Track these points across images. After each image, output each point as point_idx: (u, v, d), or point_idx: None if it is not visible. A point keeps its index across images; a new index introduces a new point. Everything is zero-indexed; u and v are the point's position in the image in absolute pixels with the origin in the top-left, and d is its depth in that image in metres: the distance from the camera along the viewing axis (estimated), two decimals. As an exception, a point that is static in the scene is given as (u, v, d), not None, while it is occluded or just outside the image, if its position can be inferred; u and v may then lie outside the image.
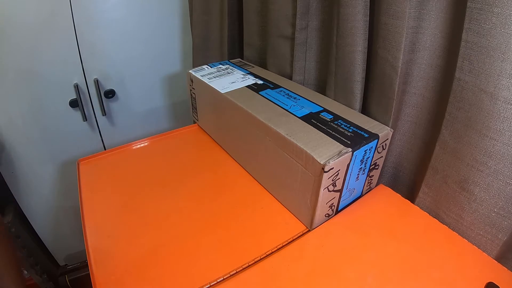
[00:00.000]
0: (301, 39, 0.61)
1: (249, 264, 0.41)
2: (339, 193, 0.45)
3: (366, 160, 0.46)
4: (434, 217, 0.46)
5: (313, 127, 0.47)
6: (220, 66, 0.71)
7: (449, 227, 0.45)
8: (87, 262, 0.42)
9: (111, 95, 0.91)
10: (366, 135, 0.45)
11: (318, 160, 0.40)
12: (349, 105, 0.54)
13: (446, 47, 0.43)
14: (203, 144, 0.67)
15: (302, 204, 0.46)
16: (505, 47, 0.33)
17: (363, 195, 0.52)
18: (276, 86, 0.60)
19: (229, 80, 0.62)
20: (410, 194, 0.53)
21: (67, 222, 1.05)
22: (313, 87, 0.65)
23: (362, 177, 0.48)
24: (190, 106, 0.76)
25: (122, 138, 0.99)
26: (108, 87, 0.91)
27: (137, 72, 0.93)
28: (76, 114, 0.88)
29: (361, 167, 0.46)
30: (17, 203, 0.95)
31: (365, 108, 0.55)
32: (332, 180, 0.42)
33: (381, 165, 0.51)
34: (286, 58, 0.66)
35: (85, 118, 0.89)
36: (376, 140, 0.45)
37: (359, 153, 0.43)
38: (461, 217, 0.43)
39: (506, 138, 0.36)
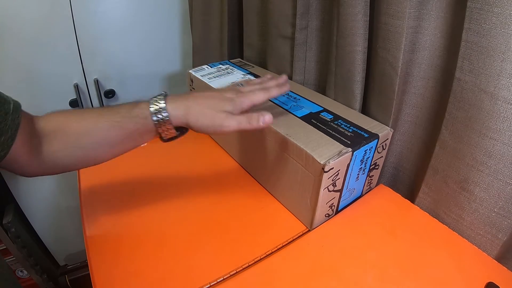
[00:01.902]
0: (301, 39, 0.61)
1: (249, 264, 0.41)
2: (339, 193, 0.45)
3: (366, 160, 0.46)
4: (434, 217, 0.46)
5: (313, 127, 0.47)
6: (220, 66, 0.71)
7: (449, 227, 0.45)
8: (87, 262, 0.42)
9: (111, 95, 0.91)
10: (366, 135, 0.45)
11: (318, 160, 0.40)
12: (349, 105, 0.54)
13: (446, 47, 0.43)
14: (203, 144, 0.67)
15: (302, 204, 0.46)
16: (505, 47, 0.33)
17: (363, 195, 0.52)
18: (276, 86, 0.60)
19: (229, 80, 0.62)
20: (410, 194, 0.53)
21: (67, 222, 1.06)
22: (313, 87, 0.65)
23: (362, 177, 0.48)
24: (190, 106, 0.75)
25: (122, 138, 0.99)
26: (108, 87, 0.91)
27: (137, 72, 0.93)
28: (76, 114, 0.88)
29: (361, 167, 0.46)
30: (17, 203, 0.95)
31: (365, 108, 0.55)
32: (332, 180, 0.42)
33: (381, 165, 0.51)
34: (286, 58, 0.66)
35: (85, 118, 0.89)
36: (376, 140, 0.45)
37: (359, 153, 0.43)
38: (461, 217, 0.43)
39: (506, 138, 0.36)
